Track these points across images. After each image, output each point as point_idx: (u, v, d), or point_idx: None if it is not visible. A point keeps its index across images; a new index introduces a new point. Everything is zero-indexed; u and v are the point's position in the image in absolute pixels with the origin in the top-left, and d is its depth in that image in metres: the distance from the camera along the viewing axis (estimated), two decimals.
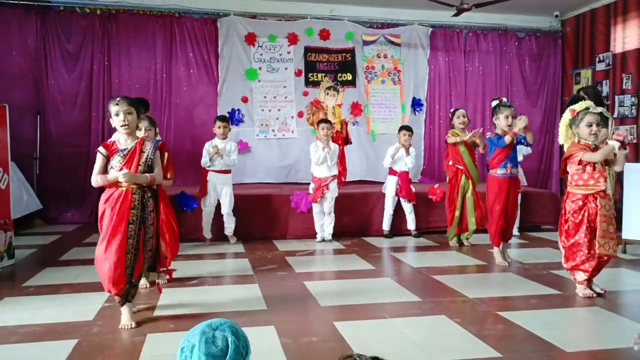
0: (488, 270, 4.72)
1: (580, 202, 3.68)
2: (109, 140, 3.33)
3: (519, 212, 6.42)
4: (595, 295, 3.74)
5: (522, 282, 4.27)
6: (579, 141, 3.71)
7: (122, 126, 3.15)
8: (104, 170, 3.15)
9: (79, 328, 3.13)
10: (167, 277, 4.03)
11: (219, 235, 5.99)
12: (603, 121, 3.73)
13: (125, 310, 3.17)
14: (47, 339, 2.98)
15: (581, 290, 3.78)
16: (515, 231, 6.46)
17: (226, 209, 5.80)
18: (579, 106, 3.70)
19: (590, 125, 3.60)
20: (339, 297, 3.83)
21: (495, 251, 4.92)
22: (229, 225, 5.88)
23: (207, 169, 5.74)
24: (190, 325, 1.65)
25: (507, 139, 4.59)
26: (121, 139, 3.22)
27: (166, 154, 4.14)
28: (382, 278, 4.47)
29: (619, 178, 5.68)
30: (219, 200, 5.83)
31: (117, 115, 3.14)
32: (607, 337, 3.02)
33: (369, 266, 4.88)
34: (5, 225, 4.82)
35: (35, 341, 2.94)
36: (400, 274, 4.64)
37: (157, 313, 3.44)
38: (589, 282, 3.80)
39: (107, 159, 3.15)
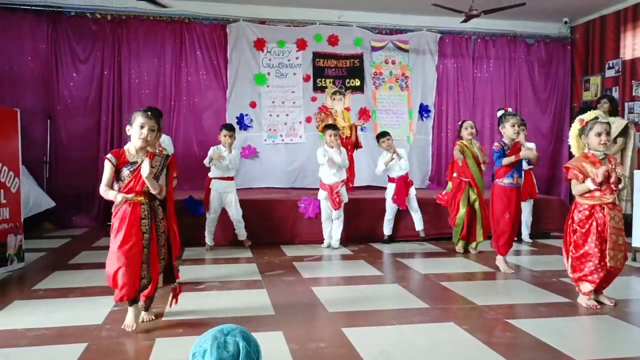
0: (496, 277, 4.70)
1: (587, 212, 3.65)
2: (122, 149, 3.26)
3: (531, 219, 6.43)
4: (599, 307, 3.70)
5: (531, 290, 4.25)
6: (585, 153, 3.69)
7: (140, 139, 3.12)
8: (112, 181, 3.14)
9: (88, 332, 3.15)
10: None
11: (227, 240, 6.01)
12: (623, 130, 3.72)
13: (131, 311, 3.17)
14: (56, 342, 2.99)
15: (585, 301, 3.73)
16: (526, 238, 6.45)
17: (234, 215, 5.78)
18: (587, 116, 3.68)
19: (599, 135, 3.58)
20: (347, 303, 3.83)
21: (500, 260, 4.89)
22: (240, 232, 5.88)
23: (210, 176, 5.71)
24: (199, 330, 1.66)
25: (505, 161, 4.62)
26: (132, 149, 3.18)
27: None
28: (390, 284, 4.46)
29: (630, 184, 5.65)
30: (223, 208, 5.79)
31: (141, 127, 3.11)
32: (616, 346, 3.00)
33: (377, 272, 4.87)
34: (16, 228, 4.86)
35: (44, 344, 2.96)
36: (407, 280, 4.63)
37: (165, 318, 3.45)
38: (595, 293, 3.77)
39: (116, 168, 3.13)
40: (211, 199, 5.70)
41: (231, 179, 5.77)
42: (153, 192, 3.15)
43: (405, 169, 6.15)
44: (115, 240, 3.10)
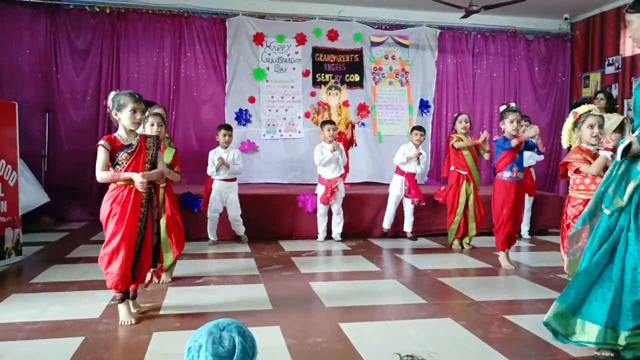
0: (494, 273, 4.71)
1: (581, 207, 3.64)
2: (112, 135, 3.22)
3: (530, 215, 6.41)
4: None
5: (529, 286, 4.26)
6: (579, 146, 3.69)
7: (135, 123, 3.14)
8: (107, 166, 3.13)
9: (86, 325, 3.15)
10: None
11: (226, 235, 6.00)
12: (619, 126, 3.73)
13: (123, 308, 3.19)
14: (53, 336, 3.00)
15: None
16: (525, 234, 6.45)
17: (233, 214, 5.81)
18: (581, 109, 3.70)
19: (591, 127, 3.59)
20: (344, 298, 3.83)
21: (502, 256, 4.90)
22: (238, 229, 5.91)
23: (213, 177, 5.74)
24: (196, 324, 1.66)
25: (514, 142, 4.61)
26: (123, 134, 3.18)
27: (173, 150, 4.19)
28: (388, 280, 4.47)
29: None
30: (225, 207, 5.83)
31: (133, 112, 3.12)
32: None
33: (375, 267, 4.88)
34: (14, 222, 4.85)
35: (41, 338, 2.96)
36: (405, 275, 4.63)
37: (163, 311, 3.45)
38: None
39: (110, 153, 3.12)
40: (212, 199, 5.72)
41: (233, 180, 5.80)
42: (159, 179, 3.26)
43: (418, 172, 6.17)
44: (112, 228, 3.09)
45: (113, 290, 3.19)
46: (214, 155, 5.73)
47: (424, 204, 6.16)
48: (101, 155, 3.10)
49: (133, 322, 3.16)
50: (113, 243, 3.09)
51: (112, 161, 3.14)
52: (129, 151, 3.13)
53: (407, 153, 6.06)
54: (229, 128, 5.88)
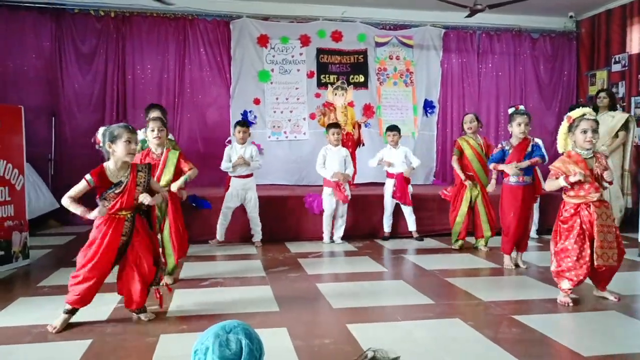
0: (502, 273, 4.68)
1: (572, 210, 3.62)
2: (101, 167, 3.17)
3: (538, 215, 6.35)
4: (571, 304, 3.60)
5: (537, 285, 4.23)
6: (568, 152, 3.65)
7: (130, 154, 3.14)
8: (81, 197, 3.12)
9: (93, 328, 3.16)
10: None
11: (233, 237, 5.99)
12: (624, 124, 3.70)
13: (65, 318, 3.16)
14: (61, 339, 3.00)
15: (560, 297, 3.69)
16: (533, 234, 6.39)
17: (251, 212, 5.81)
18: (575, 113, 3.65)
19: (584, 132, 3.54)
20: (351, 299, 3.82)
21: (505, 257, 4.87)
22: (257, 231, 5.89)
23: (230, 174, 5.74)
24: (203, 327, 1.65)
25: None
26: (112, 166, 3.15)
27: (177, 152, 4.19)
28: (395, 280, 4.45)
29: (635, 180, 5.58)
30: (241, 205, 5.83)
31: (128, 142, 3.10)
32: (623, 342, 2.98)
33: (381, 268, 4.86)
34: (21, 225, 4.87)
35: (49, 341, 2.97)
36: (412, 276, 4.61)
37: (169, 314, 3.45)
38: (598, 290, 3.79)
39: (94, 190, 3.12)
40: (228, 194, 5.73)
41: (250, 176, 5.78)
42: (161, 201, 3.47)
43: (400, 169, 6.10)
44: (92, 256, 3.11)
45: (69, 305, 3.17)
46: (230, 151, 5.73)
47: (409, 205, 6.12)
48: (79, 186, 3.10)
49: (57, 330, 3.09)
50: (85, 270, 3.10)
51: (101, 194, 3.14)
52: (118, 190, 3.13)
53: (385, 157, 6.12)
54: (244, 124, 5.84)
